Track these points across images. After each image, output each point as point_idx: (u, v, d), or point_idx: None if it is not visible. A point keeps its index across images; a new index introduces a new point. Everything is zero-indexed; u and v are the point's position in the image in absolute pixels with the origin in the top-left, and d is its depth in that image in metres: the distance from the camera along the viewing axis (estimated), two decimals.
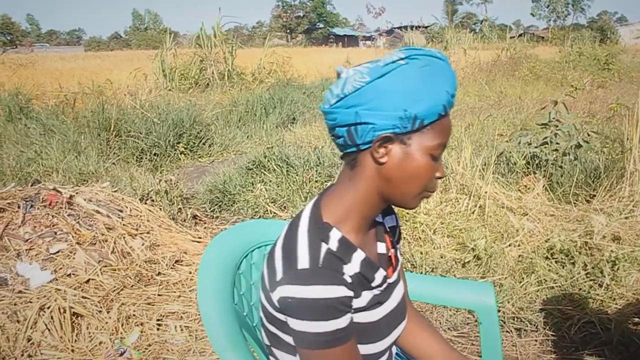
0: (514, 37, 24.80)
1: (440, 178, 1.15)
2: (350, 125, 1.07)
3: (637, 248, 3.54)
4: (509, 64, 17.60)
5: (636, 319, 2.99)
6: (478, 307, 1.76)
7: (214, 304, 1.39)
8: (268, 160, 5.58)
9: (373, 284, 1.18)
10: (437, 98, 1.05)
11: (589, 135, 5.13)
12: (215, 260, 1.49)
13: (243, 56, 16.21)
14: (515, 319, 3.10)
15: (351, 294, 1.08)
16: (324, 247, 1.09)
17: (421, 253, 3.74)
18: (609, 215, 4.08)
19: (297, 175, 5.27)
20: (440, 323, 3.11)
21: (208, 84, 14.11)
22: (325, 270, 1.06)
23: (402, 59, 1.06)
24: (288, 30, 66.11)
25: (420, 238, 3.97)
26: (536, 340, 2.96)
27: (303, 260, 1.06)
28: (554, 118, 5.08)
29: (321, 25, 70.05)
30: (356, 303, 1.13)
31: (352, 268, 1.12)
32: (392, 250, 1.32)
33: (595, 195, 4.50)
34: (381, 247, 1.27)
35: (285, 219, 4.53)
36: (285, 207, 4.88)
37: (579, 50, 20.64)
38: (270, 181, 5.31)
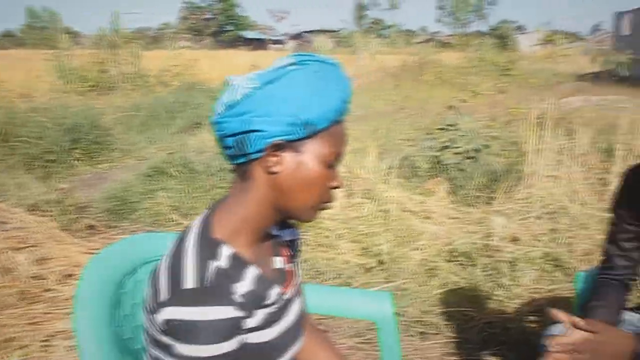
0: (420, 42, 25.62)
1: (336, 188, 1.14)
2: (239, 134, 1.04)
3: (533, 248, 3.72)
4: (415, 68, 18.19)
5: (533, 317, 3.14)
6: (376, 317, 1.77)
7: (88, 329, 1.31)
8: (170, 166, 5.45)
9: (267, 302, 1.14)
10: (329, 104, 1.04)
11: (488, 139, 5.36)
12: (94, 279, 1.40)
13: (148, 58, 15.81)
14: (419, 323, 3.17)
15: (242, 314, 1.04)
16: (212, 265, 1.04)
17: (326, 259, 3.76)
18: (507, 216, 4.27)
19: (200, 181, 5.18)
20: (342, 329, 3.13)
21: (110, 87, 13.64)
22: (213, 289, 1.01)
23: (292, 64, 1.04)
24: (196, 32, 65.14)
25: (324, 244, 4.00)
26: (439, 343, 3.03)
27: (189, 280, 1.01)
28: (450, 123, 5.27)
29: (230, 28, 69.61)
30: (249, 323, 1.08)
31: (244, 286, 1.07)
32: (290, 265, 1.29)
33: (494, 198, 4.70)
34: (278, 262, 1.24)
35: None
36: (188, 215, 4.78)
37: (482, 56, 21.61)
38: (173, 188, 5.19)
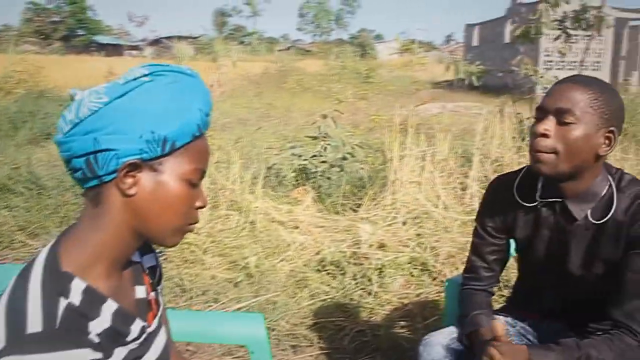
0: (282, 50, 25.95)
1: (201, 208, 1.07)
2: (89, 154, 0.93)
3: (400, 254, 3.84)
4: (277, 76, 18.38)
5: (402, 323, 3.23)
6: (249, 341, 1.72)
7: None
8: (14, 182, 5.05)
9: (129, 338, 1.04)
10: (188, 117, 0.97)
11: (353, 148, 5.49)
12: None
13: None
14: (290, 336, 3.14)
15: (99, 356, 0.93)
16: (62, 303, 0.92)
17: (191, 275, 3.64)
18: (374, 223, 4.37)
19: (50, 198, 4.84)
20: (213, 348, 3.04)
21: None
22: (65, 331, 0.90)
23: (145, 75, 0.96)
24: (42, 36, 61.32)
25: (189, 259, 3.87)
26: (311, 356, 3.02)
27: (35, 322, 0.88)
28: (322, 132, 5.35)
29: (82, 32, 66.42)
30: None
31: (100, 323, 0.97)
32: (152, 294, 1.19)
33: (361, 205, 4.80)
34: (140, 291, 1.14)
35: (37, 250, 4.13)
36: (36, 235, 4.45)
37: (343, 64, 22.28)
38: (19, 206, 4.80)
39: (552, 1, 5.60)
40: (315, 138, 5.42)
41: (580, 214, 1.62)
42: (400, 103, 12.53)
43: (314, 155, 5.33)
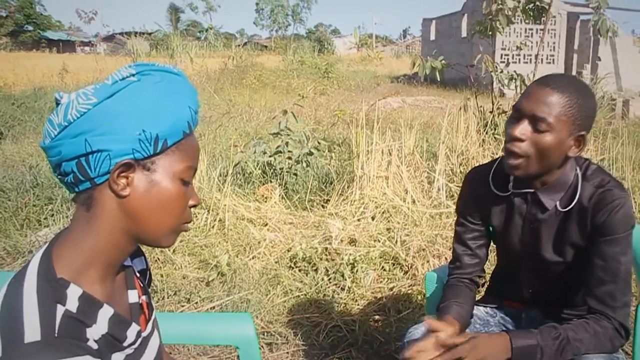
0: (239, 45, 25.80)
1: (194, 206, 1.07)
2: (80, 157, 0.93)
3: (371, 248, 3.88)
4: (236, 72, 18.27)
5: (377, 317, 3.26)
6: (238, 340, 1.72)
7: None
8: None
9: (125, 344, 1.04)
10: (179, 115, 0.98)
11: (319, 142, 5.51)
12: None
13: None
14: (266, 334, 3.15)
15: None
16: (60, 310, 0.91)
17: (161, 276, 3.61)
18: (343, 218, 4.41)
19: (9, 200, 4.73)
20: (189, 350, 3.02)
21: None
22: (63, 340, 0.89)
23: (133, 75, 0.96)
24: None
25: (159, 259, 3.84)
26: (288, 352, 3.04)
27: (33, 331, 0.87)
28: (284, 127, 5.35)
29: (30, 28, 64.74)
30: None
31: (98, 330, 0.97)
32: (144, 297, 1.19)
33: (329, 200, 4.83)
34: (133, 296, 1.14)
35: None
36: None
37: (301, 59, 22.32)
38: None
39: None
40: (277, 134, 5.43)
41: (550, 203, 1.70)
42: (360, 98, 12.64)
43: (278, 152, 5.33)
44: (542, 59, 18.87)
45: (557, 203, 1.69)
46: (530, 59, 17.94)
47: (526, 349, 1.51)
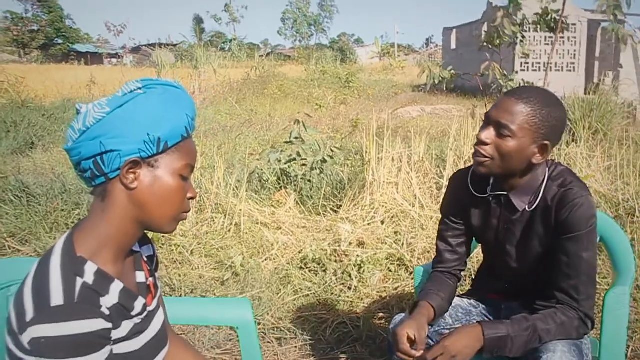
0: (262, 56, 26.06)
1: (192, 199, 1.27)
2: (96, 156, 1.14)
3: (378, 250, 4.05)
4: (258, 82, 18.50)
5: (381, 314, 3.44)
6: (238, 322, 1.92)
7: None
8: (3, 191, 5.19)
9: (133, 313, 1.23)
10: (178, 121, 1.18)
11: (332, 151, 5.70)
12: None
13: None
14: (275, 329, 3.34)
15: (109, 325, 1.13)
16: (79, 282, 1.12)
17: (179, 275, 3.83)
18: (354, 223, 4.59)
19: (39, 205, 4.99)
20: (203, 343, 3.22)
21: None
22: (81, 304, 1.09)
23: (139, 88, 1.18)
24: (20, 46, 60.78)
25: (177, 260, 4.06)
26: (296, 347, 3.22)
27: (57, 297, 1.07)
28: (296, 136, 5.55)
29: (60, 41, 66.07)
30: (116, 334, 1.17)
31: (110, 300, 1.17)
32: (151, 279, 1.39)
33: (341, 206, 5.01)
34: (140, 276, 1.34)
35: (28, 255, 4.28)
36: (27, 241, 4.59)
37: (323, 69, 22.50)
38: (7, 214, 4.94)
39: (512, 7, 5.87)
40: (290, 143, 5.63)
41: (521, 205, 1.87)
42: (379, 107, 12.81)
43: (293, 159, 5.53)
44: (562, 67, 18.90)
45: (527, 204, 1.86)
46: (550, 67, 17.98)
47: (497, 339, 1.68)
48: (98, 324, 1.09)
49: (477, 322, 1.75)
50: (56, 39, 65.79)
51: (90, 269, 1.15)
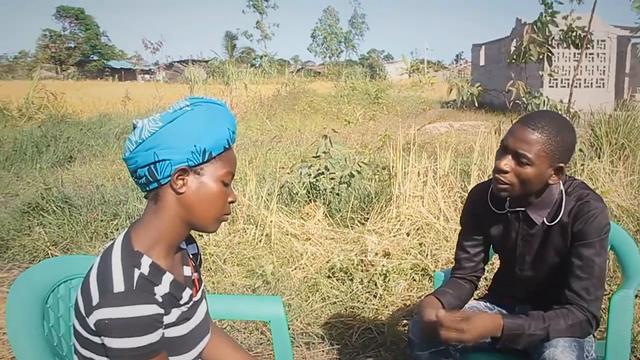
0: (292, 72, 26.39)
1: (232, 202, 1.45)
2: (150, 165, 1.31)
3: (403, 261, 4.19)
4: (288, 98, 18.77)
5: (405, 321, 3.58)
6: (270, 317, 2.09)
7: (25, 337, 1.50)
8: (47, 202, 5.46)
9: (181, 302, 1.41)
10: (221, 134, 1.36)
11: (360, 166, 5.87)
12: (23, 296, 1.59)
13: (4, 88, 15.14)
14: (304, 334, 3.50)
15: (162, 311, 1.30)
16: (136, 272, 1.29)
17: (213, 282, 4.01)
18: (380, 234, 4.73)
19: (80, 215, 5.24)
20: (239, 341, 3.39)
21: None
22: (139, 292, 1.26)
23: (187, 105, 1.36)
24: (58, 62, 62.42)
25: (211, 269, 4.25)
26: (323, 351, 3.38)
27: (119, 285, 1.25)
28: (324, 151, 5.73)
29: (96, 58, 67.70)
30: (166, 319, 1.35)
31: (162, 289, 1.34)
32: (195, 274, 1.57)
33: (368, 218, 5.16)
34: (187, 271, 1.52)
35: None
36: (68, 249, 4.83)
37: (352, 85, 22.70)
38: (50, 223, 5.20)
39: (540, 25, 5.98)
40: (317, 157, 5.81)
41: (538, 219, 2.01)
42: (408, 123, 12.92)
43: (321, 173, 5.70)
44: (591, 83, 18.82)
45: (544, 219, 2.00)
46: (580, 83, 17.93)
47: (513, 335, 1.81)
48: (153, 309, 1.26)
49: (499, 314, 1.87)
50: (92, 56, 67.27)
51: (145, 262, 1.33)
